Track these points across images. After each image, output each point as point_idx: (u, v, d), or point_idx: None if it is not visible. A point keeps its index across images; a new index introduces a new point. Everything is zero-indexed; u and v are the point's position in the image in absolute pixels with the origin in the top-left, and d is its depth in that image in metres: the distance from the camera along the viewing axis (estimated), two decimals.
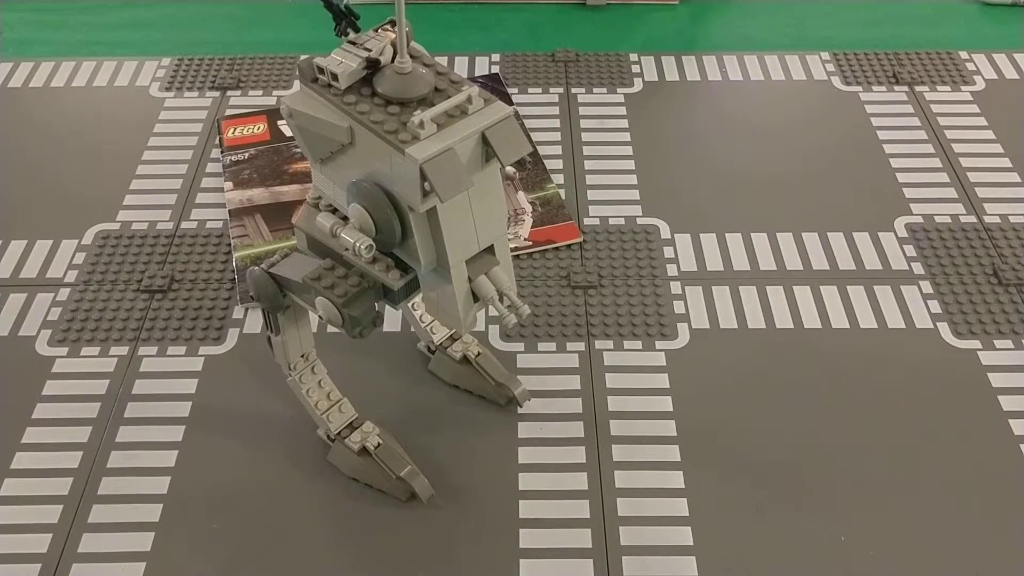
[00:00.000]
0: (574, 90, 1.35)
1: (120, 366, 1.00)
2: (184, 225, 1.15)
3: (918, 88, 1.35)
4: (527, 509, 0.88)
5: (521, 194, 1.18)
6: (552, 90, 1.35)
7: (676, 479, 0.90)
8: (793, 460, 0.92)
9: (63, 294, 1.07)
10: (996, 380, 0.98)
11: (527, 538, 0.86)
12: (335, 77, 0.69)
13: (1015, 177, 1.22)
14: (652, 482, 0.90)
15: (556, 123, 1.30)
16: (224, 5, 1.55)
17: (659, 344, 1.02)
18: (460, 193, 0.68)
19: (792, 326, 1.04)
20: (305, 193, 1.16)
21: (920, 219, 1.16)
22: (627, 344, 1.02)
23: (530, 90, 1.35)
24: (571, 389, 0.98)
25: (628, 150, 1.26)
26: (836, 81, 1.37)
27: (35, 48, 1.45)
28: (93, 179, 1.22)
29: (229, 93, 1.35)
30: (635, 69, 1.39)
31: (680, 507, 0.88)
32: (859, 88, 1.36)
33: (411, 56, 0.70)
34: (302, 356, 0.88)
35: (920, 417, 0.95)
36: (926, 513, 0.88)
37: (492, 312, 0.80)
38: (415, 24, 0.70)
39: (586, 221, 1.15)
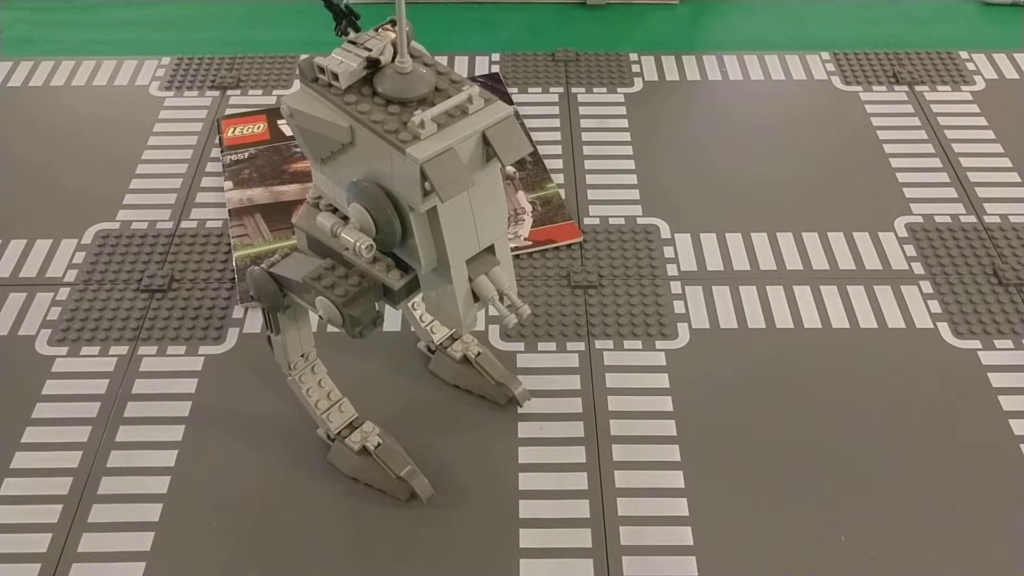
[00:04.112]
0: (574, 90, 1.35)
1: (120, 366, 1.00)
2: (184, 225, 1.15)
3: (918, 88, 1.35)
4: (527, 509, 0.88)
5: (521, 194, 1.18)
6: (552, 90, 1.35)
7: (676, 479, 0.90)
8: (793, 460, 0.92)
9: (63, 294, 1.07)
10: (996, 380, 0.98)
11: (527, 538, 0.86)
12: (335, 77, 0.69)
13: (1015, 177, 1.22)
14: (652, 482, 0.90)
15: (556, 123, 1.30)
16: (224, 4, 1.55)
17: (659, 344, 1.02)
18: (460, 193, 0.67)
19: (792, 326, 1.04)
20: (305, 193, 1.16)
21: (920, 219, 1.16)
22: (627, 344, 1.02)
23: (530, 90, 1.35)
24: (571, 389, 0.98)
25: (628, 150, 1.26)
26: (836, 81, 1.37)
27: (35, 47, 1.45)
28: (93, 179, 1.22)
29: (229, 92, 1.35)
30: (635, 69, 1.39)
31: (680, 507, 0.88)
32: (859, 88, 1.36)
33: (411, 56, 0.70)
34: (302, 356, 0.88)
35: (920, 417, 0.95)
36: (926, 513, 0.88)
37: (492, 312, 0.79)
38: (415, 24, 0.70)
39: (586, 221, 1.15)
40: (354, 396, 0.91)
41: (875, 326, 1.04)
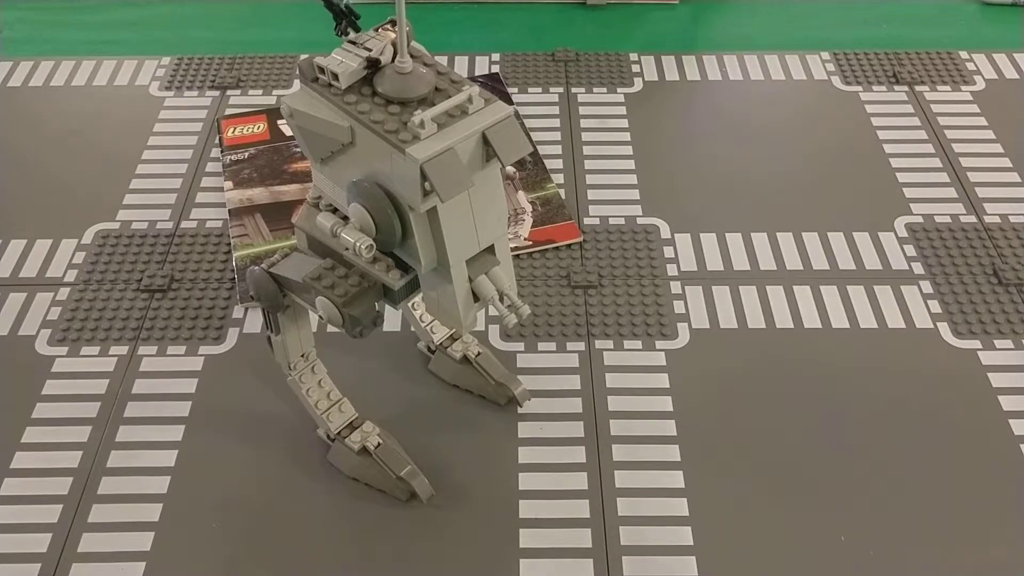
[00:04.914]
0: (574, 90, 1.35)
1: (120, 366, 1.00)
2: (184, 225, 1.15)
3: (918, 88, 1.35)
4: (527, 509, 0.88)
5: (521, 194, 1.18)
6: (552, 90, 1.35)
7: (676, 479, 0.90)
8: (793, 460, 0.92)
9: (63, 293, 1.07)
10: (996, 380, 0.98)
11: (527, 538, 0.86)
12: (335, 77, 0.69)
13: (1015, 177, 1.22)
14: (652, 482, 0.90)
15: (556, 123, 1.30)
16: (224, 4, 1.55)
17: (659, 344, 1.02)
18: (460, 193, 0.68)
19: (792, 326, 1.04)
20: (305, 192, 1.16)
21: (920, 219, 1.16)
22: (627, 344, 1.02)
23: (530, 90, 1.35)
24: (571, 389, 0.98)
25: (628, 150, 1.26)
26: (836, 81, 1.37)
27: (35, 47, 1.45)
28: (93, 179, 1.22)
29: (229, 92, 1.35)
30: (635, 69, 1.39)
31: (680, 507, 0.88)
32: (859, 88, 1.36)
33: (411, 56, 0.70)
34: (302, 356, 0.88)
35: (920, 417, 0.95)
36: (926, 513, 0.88)
37: (492, 312, 0.79)
38: (415, 24, 0.70)
39: (586, 221, 1.15)
40: (354, 396, 0.91)
41: (875, 326, 1.04)
